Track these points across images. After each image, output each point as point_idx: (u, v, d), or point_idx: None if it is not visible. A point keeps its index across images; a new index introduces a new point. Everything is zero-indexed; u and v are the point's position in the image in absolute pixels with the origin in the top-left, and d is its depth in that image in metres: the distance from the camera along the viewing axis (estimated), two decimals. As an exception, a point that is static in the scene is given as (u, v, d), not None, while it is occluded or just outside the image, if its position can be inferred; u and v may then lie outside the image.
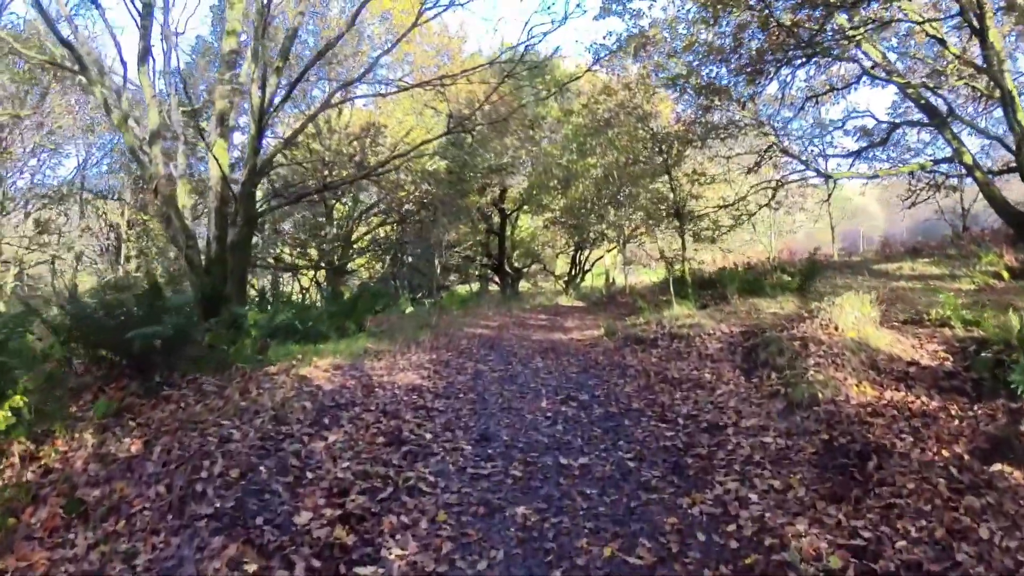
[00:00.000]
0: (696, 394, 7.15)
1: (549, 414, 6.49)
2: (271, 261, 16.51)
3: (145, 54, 12.52)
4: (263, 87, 10.81)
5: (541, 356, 9.84)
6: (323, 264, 17.82)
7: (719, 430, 6.12)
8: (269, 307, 12.87)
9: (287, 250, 23.36)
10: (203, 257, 13.18)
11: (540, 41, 20.24)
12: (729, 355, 8.28)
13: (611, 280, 23.92)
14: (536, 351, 10.48)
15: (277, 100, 12.79)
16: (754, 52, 14.84)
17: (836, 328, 8.26)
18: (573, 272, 34.43)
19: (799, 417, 6.20)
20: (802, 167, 19.34)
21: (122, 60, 17.61)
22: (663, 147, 14.92)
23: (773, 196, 18.25)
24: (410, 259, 29.88)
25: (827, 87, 20.25)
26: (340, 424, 6.02)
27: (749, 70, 14.76)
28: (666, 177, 15.86)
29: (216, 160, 11.46)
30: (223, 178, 12.31)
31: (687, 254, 24.58)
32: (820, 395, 6.43)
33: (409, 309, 26.19)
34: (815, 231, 34.15)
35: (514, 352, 10.33)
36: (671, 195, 15.44)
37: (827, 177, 19.13)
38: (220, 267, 12.53)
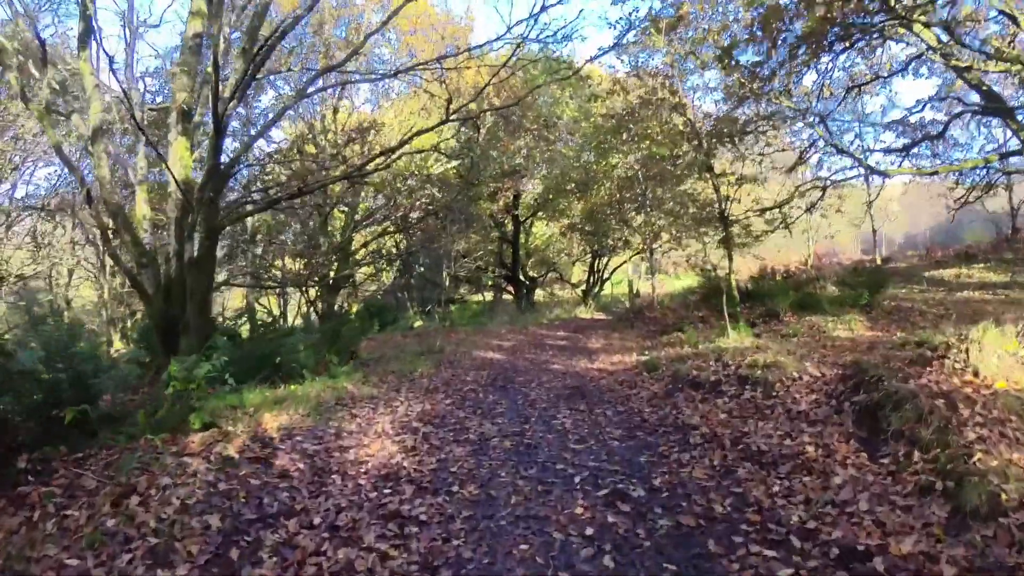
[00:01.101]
0: (803, 484, 4.72)
1: (589, 531, 4.09)
2: (250, 279, 14.29)
3: (86, 36, 10.31)
4: (216, 69, 8.52)
5: (567, 404, 7.42)
6: (314, 280, 15.56)
7: (861, 561, 3.71)
8: (235, 340, 10.57)
9: (287, 262, 21.18)
10: (163, 277, 10.99)
11: (550, 33, 17.96)
12: (833, 412, 5.84)
13: (635, 291, 21.52)
14: (559, 395, 8.07)
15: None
16: (805, 31, 12.43)
17: (976, 375, 5.80)
18: (591, 281, 31.99)
19: (979, 536, 3.79)
20: (848, 164, 16.86)
21: (107, 54, 15.38)
22: (702, 141, 12.48)
23: (821, 196, 15.80)
24: (422, 268, 27.61)
25: (867, 76, 17.83)
26: (255, 561, 3.67)
27: (803, 49, 12.35)
28: (700, 175, 13.40)
29: (169, 169, 9.18)
30: (184, 183, 10.09)
31: (716, 262, 22.09)
32: (1003, 496, 4.01)
33: (418, 323, 23.90)
34: (836, 235, 31.41)
35: (531, 398, 7.93)
36: (713, 195, 12.99)
37: (881, 175, 16.61)
38: (181, 290, 10.31)
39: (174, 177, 9.16)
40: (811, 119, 15.51)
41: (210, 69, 10.25)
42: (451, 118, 9.17)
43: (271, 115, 18.81)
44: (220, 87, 8.88)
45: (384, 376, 9.51)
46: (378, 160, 10.45)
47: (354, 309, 27.79)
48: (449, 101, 9.01)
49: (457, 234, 23.69)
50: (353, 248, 20.16)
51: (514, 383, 9.12)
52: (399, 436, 6.03)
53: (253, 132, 18.53)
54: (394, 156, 10.26)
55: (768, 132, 15.34)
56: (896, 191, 35.64)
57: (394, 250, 26.07)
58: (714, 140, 13.81)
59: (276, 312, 24.91)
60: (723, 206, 12.59)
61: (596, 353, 13.44)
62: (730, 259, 12.35)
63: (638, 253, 20.82)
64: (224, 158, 11.89)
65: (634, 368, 10.05)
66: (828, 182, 15.73)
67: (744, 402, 6.51)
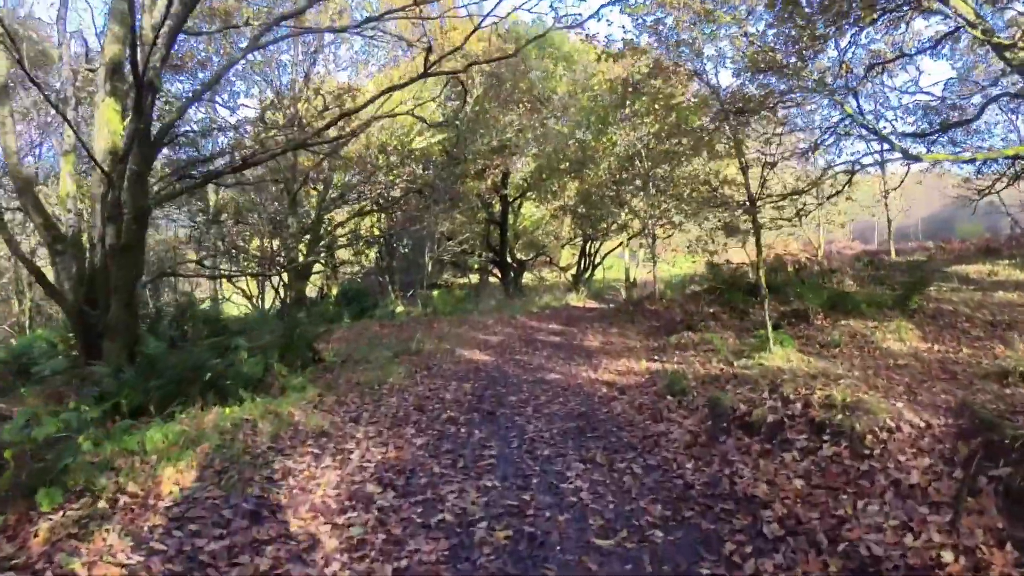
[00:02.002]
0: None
1: None
2: (197, 267, 12.26)
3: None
4: (131, 4, 6.49)
5: (577, 449, 5.53)
6: (278, 266, 13.54)
7: None
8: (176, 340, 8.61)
9: (255, 245, 19.11)
10: (88, 268, 9.02)
11: None
12: (963, 490, 4.03)
13: (632, 279, 19.73)
14: (565, 430, 6.18)
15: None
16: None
17: None
18: (582, 266, 30.12)
19: None
20: (864, 148, 15.04)
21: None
22: (728, 113, 10.58)
23: (849, 181, 13.96)
24: (406, 249, 25.56)
25: (888, 55, 15.98)
26: None
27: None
28: (728, 150, 11.48)
29: (76, 132, 7.15)
30: (112, 153, 8.10)
31: (717, 248, 20.28)
32: None
33: (399, 309, 21.95)
34: (843, 224, 29.68)
35: (528, 434, 6.03)
36: (729, 176, 11.13)
37: (913, 159, 14.77)
38: (106, 282, 8.37)
39: (84, 144, 7.15)
40: (841, 95, 13.64)
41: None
42: (430, 71, 7.20)
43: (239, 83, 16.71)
44: (138, 27, 6.85)
45: (344, 393, 7.61)
46: (341, 124, 8.50)
47: (334, 292, 25.86)
48: (428, 51, 7.04)
49: (441, 214, 21.72)
50: (327, 229, 18.12)
51: (505, 404, 7.26)
52: (344, 516, 4.15)
53: (219, 101, 16.40)
54: (361, 120, 8.34)
55: (792, 109, 13.50)
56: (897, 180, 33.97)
57: (375, 231, 24.07)
58: (742, 112, 11.92)
59: (255, 295, 22.92)
60: (753, 188, 10.73)
61: (597, 355, 11.61)
62: (759, 250, 10.51)
63: (635, 237, 18.93)
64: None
65: (649, 383, 8.22)
66: (857, 166, 13.88)
67: (825, 462, 4.68)
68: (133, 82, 7.19)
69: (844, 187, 14.32)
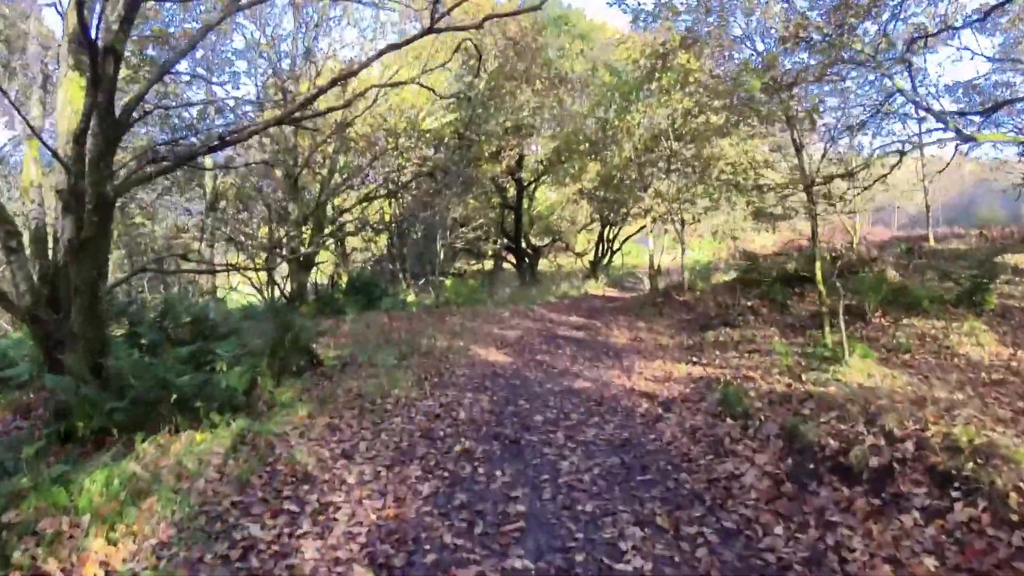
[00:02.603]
0: None
1: None
2: (182, 261, 11.05)
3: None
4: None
5: (627, 499, 4.30)
6: (279, 256, 12.31)
7: None
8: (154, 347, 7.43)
9: (265, 231, 17.97)
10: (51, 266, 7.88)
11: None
12: None
13: (656, 266, 18.42)
14: (607, 468, 4.92)
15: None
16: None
17: None
18: (600, 251, 28.77)
19: None
20: (915, 127, 13.59)
21: None
22: (781, 85, 9.18)
23: (899, 162, 12.57)
24: (418, 235, 24.30)
25: (928, 29, 14.43)
26: None
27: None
28: (785, 124, 10.07)
29: (20, 112, 5.95)
30: (76, 135, 6.89)
31: (741, 234, 18.99)
32: None
33: (411, 298, 20.75)
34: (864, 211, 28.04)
35: (562, 475, 4.76)
36: (795, 159, 9.77)
37: (968, 140, 13.31)
38: (68, 281, 7.21)
39: (30, 126, 5.94)
40: (891, 68, 12.17)
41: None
42: (437, 26, 5.90)
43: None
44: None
45: (340, 411, 6.41)
46: (339, 93, 7.22)
47: (344, 279, 24.72)
48: (436, 1, 5.73)
49: (454, 199, 20.46)
50: (332, 216, 16.90)
51: (530, 427, 6.01)
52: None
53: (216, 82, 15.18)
54: (356, 89, 7.10)
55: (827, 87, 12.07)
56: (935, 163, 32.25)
57: (386, 217, 22.86)
58: (792, 85, 10.55)
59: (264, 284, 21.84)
60: (811, 170, 9.40)
61: (627, 354, 10.36)
62: (815, 238, 9.20)
63: (659, 221, 17.54)
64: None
65: (696, 395, 6.96)
66: (908, 146, 12.45)
67: (960, 530, 3.43)
68: (87, 47, 5.96)
69: (893, 168, 12.92)
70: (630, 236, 29.35)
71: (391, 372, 8.22)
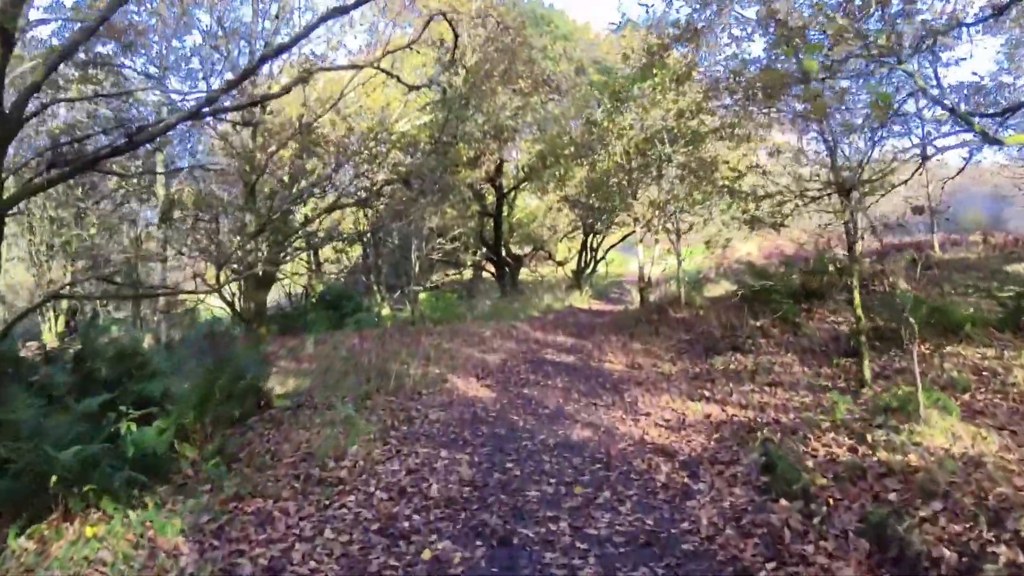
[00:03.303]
0: None
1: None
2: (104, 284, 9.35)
3: None
4: None
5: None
6: (230, 275, 10.65)
7: None
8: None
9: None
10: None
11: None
12: None
13: (647, 278, 17.10)
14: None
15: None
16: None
17: None
18: (583, 260, 27.41)
19: None
20: (951, 127, 12.36)
21: None
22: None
23: (921, 166, 11.35)
24: (395, 243, 22.65)
25: (933, 28, 13.35)
26: None
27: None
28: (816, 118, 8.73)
29: None
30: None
31: (724, 242, 17.69)
32: None
33: (386, 312, 19.20)
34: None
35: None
36: (828, 158, 8.44)
37: (995, 143, 12.14)
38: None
39: None
40: (909, 64, 10.95)
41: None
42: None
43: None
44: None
45: (275, 490, 4.90)
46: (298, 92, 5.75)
47: (318, 289, 23.08)
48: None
49: (430, 207, 18.98)
50: (294, 227, 15.32)
51: (524, 516, 4.53)
52: None
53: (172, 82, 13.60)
54: (301, 74, 5.65)
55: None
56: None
57: (360, 226, 21.30)
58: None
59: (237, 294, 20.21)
60: (854, 171, 8.08)
61: (627, 386, 8.95)
62: (851, 250, 7.89)
63: (649, 229, 16.17)
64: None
65: (724, 452, 5.57)
66: (932, 148, 11.23)
67: None
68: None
69: (915, 173, 11.69)
70: (614, 245, 28.06)
71: (350, 420, 6.72)
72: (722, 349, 10.22)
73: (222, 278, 9.87)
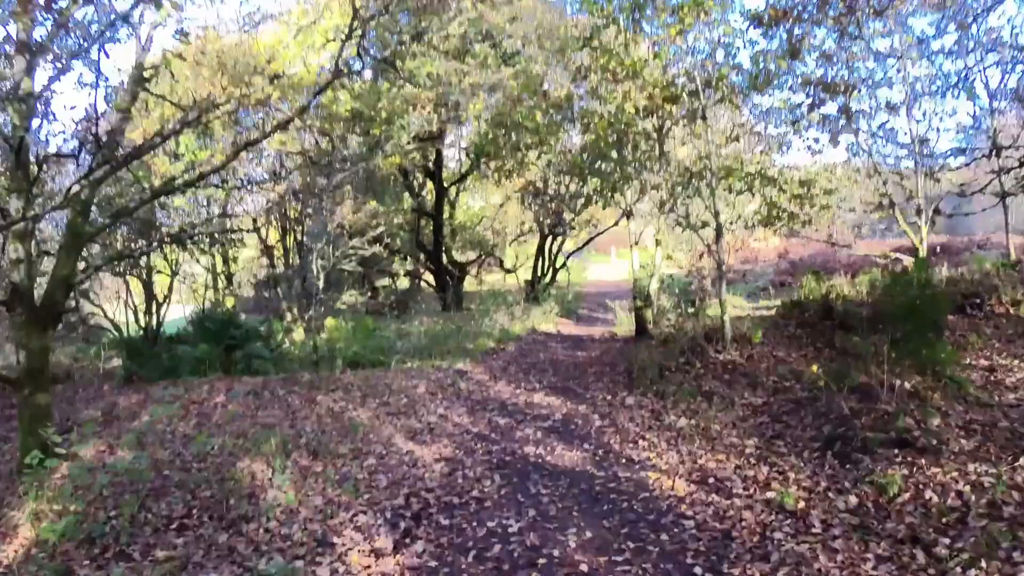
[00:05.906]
0: None
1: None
2: None
3: None
4: None
5: None
6: None
7: None
8: None
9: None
10: None
11: None
12: None
13: (645, 294, 12.12)
14: None
15: None
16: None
17: None
18: (541, 268, 22.21)
19: None
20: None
21: None
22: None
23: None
24: (308, 246, 16.72)
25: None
26: None
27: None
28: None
29: None
30: None
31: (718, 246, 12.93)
32: None
33: (299, 337, 13.46)
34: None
35: None
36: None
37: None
38: None
39: None
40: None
41: None
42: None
43: None
44: None
45: None
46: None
47: (230, 303, 17.09)
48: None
49: (347, 200, 13.49)
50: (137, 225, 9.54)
51: None
52: None
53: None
54: None
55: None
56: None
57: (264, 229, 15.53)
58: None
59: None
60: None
61: (724, 563, 3.68)
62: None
63: (661, 208, 10.90)
64: None
65: None
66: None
67: None
68: None
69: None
70: (577, 250, 23.06)
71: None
72: (870, 442, 5.05)
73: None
